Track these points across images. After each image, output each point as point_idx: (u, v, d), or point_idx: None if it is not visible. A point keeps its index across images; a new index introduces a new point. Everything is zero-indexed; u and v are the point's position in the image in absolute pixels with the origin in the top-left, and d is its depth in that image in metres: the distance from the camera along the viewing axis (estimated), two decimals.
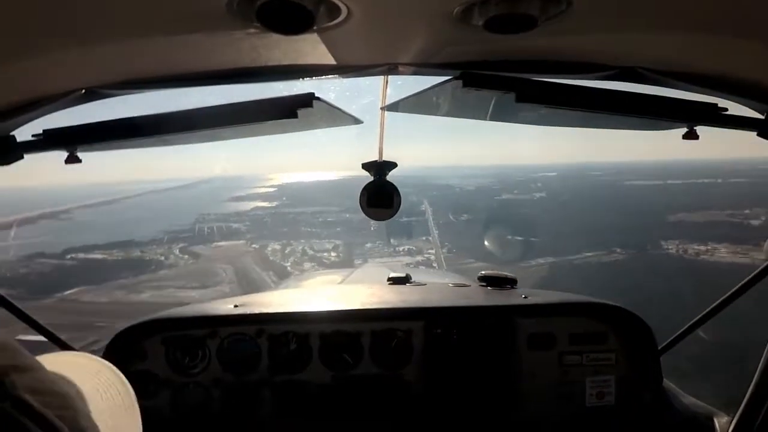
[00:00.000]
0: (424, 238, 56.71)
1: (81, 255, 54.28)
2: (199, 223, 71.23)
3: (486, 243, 44.59)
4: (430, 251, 51.38)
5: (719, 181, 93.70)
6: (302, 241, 60.12)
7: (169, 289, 41.14)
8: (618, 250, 45.54)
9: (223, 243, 62.15)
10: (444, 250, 50.91)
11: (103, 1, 0.98)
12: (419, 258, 48.03)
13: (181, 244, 59.13)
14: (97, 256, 54.57)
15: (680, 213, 58.45)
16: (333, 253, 54.26)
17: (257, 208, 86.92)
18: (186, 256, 55.41)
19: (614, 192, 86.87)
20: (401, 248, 52.47)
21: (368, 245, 54.65)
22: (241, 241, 62.93)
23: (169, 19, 1.10)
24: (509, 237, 50.84)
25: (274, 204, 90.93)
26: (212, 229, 68.30)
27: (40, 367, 0.77)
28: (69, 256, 53.45)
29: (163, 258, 54.33)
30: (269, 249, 57.67)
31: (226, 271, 48.22)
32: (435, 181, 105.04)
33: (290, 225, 70.40)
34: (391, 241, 53.41)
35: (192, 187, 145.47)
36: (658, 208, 63.86)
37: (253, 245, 60.07)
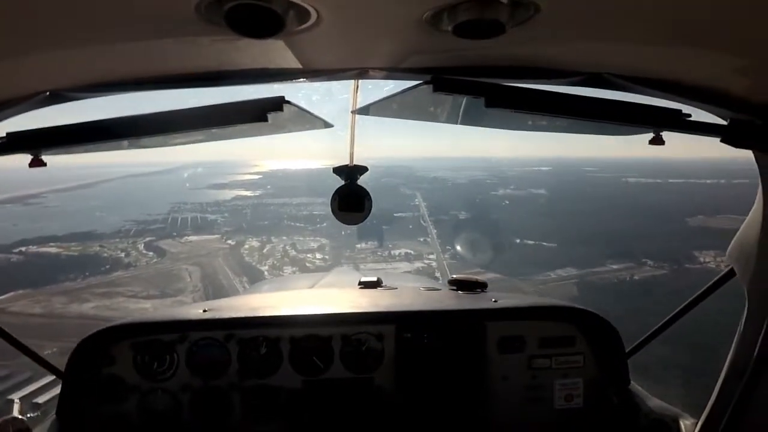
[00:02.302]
0: (421, 239, 51.49)
1: (33, 248, 48.88)
2: (173, 213, 66.31)
3: (492, 247, 40.16)
4: (430, 256, 45.76)
5: (722, 182, 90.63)
6: (284, 237, 54.76)
7: (119, 298, 35.53)
8: (649, 262, 40.52)
9: (194, 237, 56.55)
10: (446, 256, 45.10)
11: (68, 3, 0.95)
12: (418, 264, 42.36)
13: (147, 238, 53.82)
14: (51, 249, 49.05)
15: (699, 216, 54.32)
16: (318, 255, 48.40)
17: (238, 197, 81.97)
18: (150, 253, 49.87)
19: (617, 191, 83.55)
20: (397, 252, 46.65)
21: (359, 245, 48.94)
22: (216, 236, 57.41)
23: (136, 21, 1.07)
24: (517, 240, 46.08)
25: (257, 193, 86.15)
26: (186, 221, 62.97)
27: None
28: (18, 250, 48.01)
29: (123, 254, 48.71)
30: (246, 246, 52.09)
31: (192, 275, 42.75)
32: (423, 173, 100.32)
33: (272, 218, 65.15)
34: (383, 242, 48.18)
35: (173, 171, 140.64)
36: (672, 209, 59.87)
37: (229, 241, 54.69)
